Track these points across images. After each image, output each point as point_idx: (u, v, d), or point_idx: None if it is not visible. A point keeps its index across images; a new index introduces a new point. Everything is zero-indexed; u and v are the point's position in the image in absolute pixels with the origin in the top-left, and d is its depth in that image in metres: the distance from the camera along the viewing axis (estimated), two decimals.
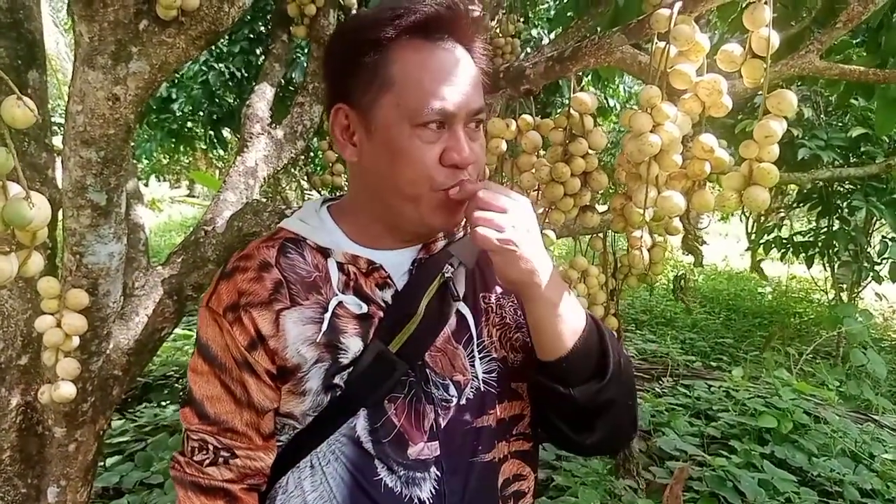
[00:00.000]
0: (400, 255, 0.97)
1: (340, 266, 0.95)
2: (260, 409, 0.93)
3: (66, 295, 1.07)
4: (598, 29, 2.09)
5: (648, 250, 1.24)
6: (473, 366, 0.96)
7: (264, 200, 1.58)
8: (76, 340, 1.09)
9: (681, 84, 1.02)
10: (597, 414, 0.93)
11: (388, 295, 0.95)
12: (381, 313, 0.94)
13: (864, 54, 2.33)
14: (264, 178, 1.67)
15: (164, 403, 3.50)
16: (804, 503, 2.63)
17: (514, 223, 0.83)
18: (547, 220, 1.28)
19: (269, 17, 3.06)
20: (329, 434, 0.92)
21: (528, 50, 3.64)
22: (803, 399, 3.52)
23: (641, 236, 1.18)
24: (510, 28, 2.57)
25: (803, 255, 5.42)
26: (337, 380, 0.91)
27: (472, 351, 0.97)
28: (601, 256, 1.54)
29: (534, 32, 4.13)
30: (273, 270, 0.93)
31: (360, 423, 0.91)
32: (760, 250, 5.76)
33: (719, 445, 3.28)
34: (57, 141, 1.30)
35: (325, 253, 0.95)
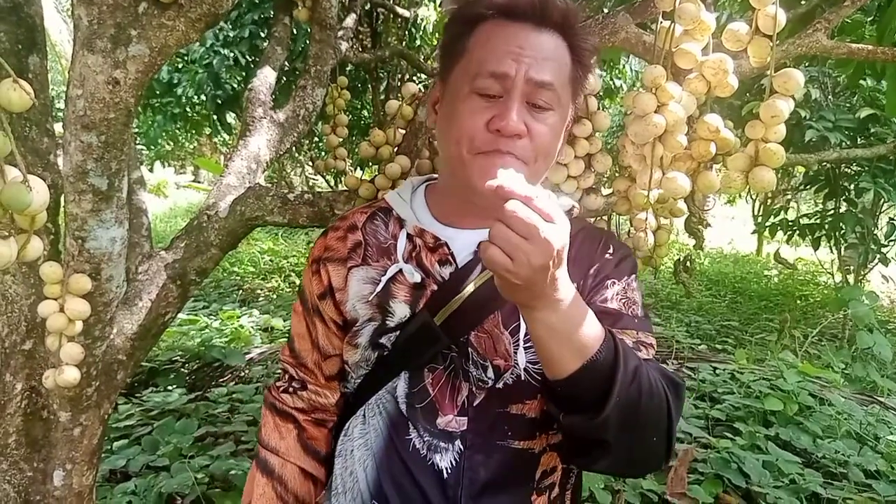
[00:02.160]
0: (471, 235, 0.99)
1: (409, 237, 1.01)
2: (323, 352, 1.06)
3: (68, 280, 1.07)
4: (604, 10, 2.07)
5: (653, 233, 1.23)
6: (517, 353, 0.95)
7: (267, 185, 1.57)
8: (79, 325, 1.09)
9: (686, 64, 1.00)
10: (591, 445, 0.86)
11: (446, 271, 0.98)
12: (435, 287, 0.97)
13: (875, 34, 2.29)
14: (267, 163, 1.66)
15: (170, 388, 3.51)
16: (809, 485, 2.63)
17: (530, 257, 0.69)
18: None
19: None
20: (378, 389, 1.00)
21: None
22: (809, 381, 3.51)
23: (646, 218, 1.16)
24: None
25: (810, 237, 5.40)
26: (384, 340, 0.98)
27: (518, 339, 0.96)
28: None
29: None
30: (357, 233, 1.04)
31: (401, 384, 0.98)
32: (768, 235, 5.72)
33: (724, 428, 3.28)
34: (59, 126, 1.29)
35: (402, 224, 1.03)
